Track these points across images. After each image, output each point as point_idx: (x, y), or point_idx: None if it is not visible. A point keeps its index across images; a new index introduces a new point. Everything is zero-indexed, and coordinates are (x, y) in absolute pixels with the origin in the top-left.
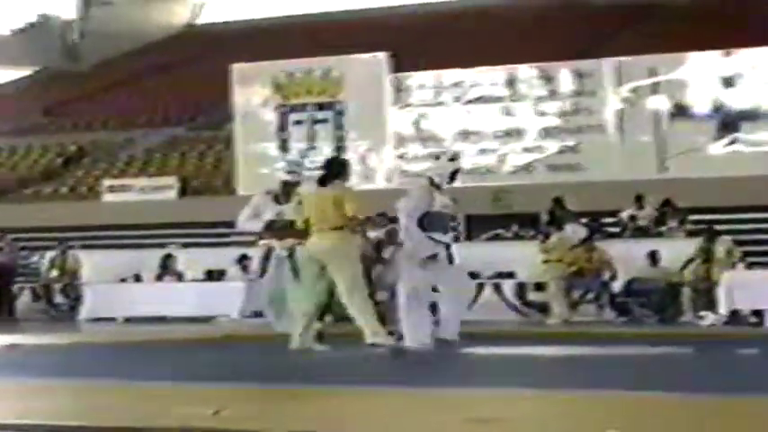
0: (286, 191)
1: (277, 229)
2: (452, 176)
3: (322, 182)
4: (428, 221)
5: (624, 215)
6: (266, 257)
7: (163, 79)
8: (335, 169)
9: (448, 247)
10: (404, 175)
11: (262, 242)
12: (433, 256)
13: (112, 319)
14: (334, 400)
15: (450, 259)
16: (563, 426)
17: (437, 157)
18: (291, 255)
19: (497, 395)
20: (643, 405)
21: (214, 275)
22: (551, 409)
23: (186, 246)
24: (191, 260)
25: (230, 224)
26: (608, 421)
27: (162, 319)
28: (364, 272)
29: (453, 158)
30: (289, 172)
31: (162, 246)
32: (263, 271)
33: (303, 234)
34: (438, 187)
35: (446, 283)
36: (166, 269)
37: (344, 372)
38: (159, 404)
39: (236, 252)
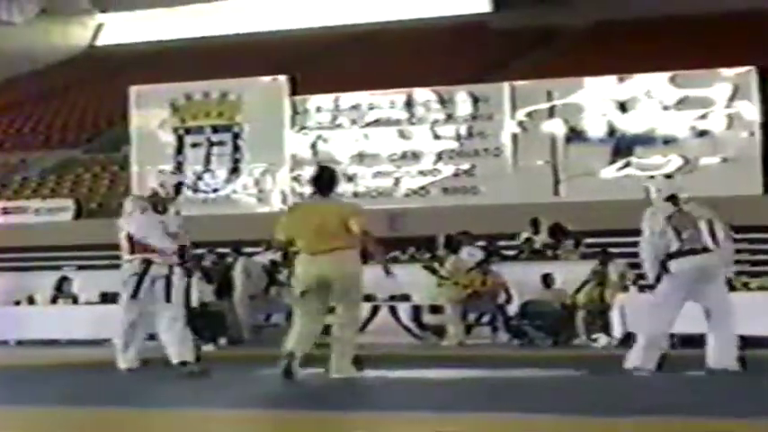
0: (163, 201)
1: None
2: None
3: (322, 193)
4: None
5: (522, 238)
6: (142, 275)
7: (61, 101)
8: (331, 180)
9: None
10: (299, 198)
11: (136, 257)
12: None
13: (4, 342)
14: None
15: None
16: None
17: None
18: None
19: (390, 418)
20: (536, 428)
21: (109, 298)
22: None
23: (81, 268)
24: (86, 283)
25: None
26: None
27: (54, 342)
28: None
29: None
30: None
31: (57, 268)
32: (135, 291)
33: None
34: None
35: None
36: (61, 292)
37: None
38: (42, 429)
39: None
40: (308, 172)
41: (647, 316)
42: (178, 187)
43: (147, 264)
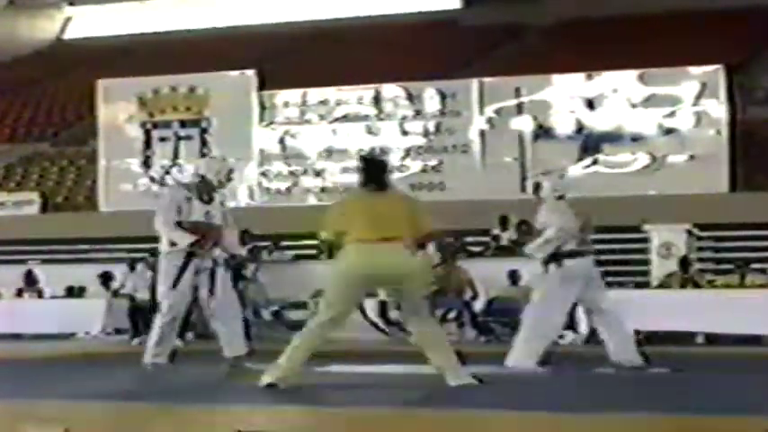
0: (208, 189)
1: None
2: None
3: (378, 184)
4: None
5: (491, 235)
6: (184, 266)
7: (27, 94)
8: (385, 171)
9: None
10: (266, 193)
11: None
12: None
13: None
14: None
15: None
16: None
17: None
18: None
19: (351, 414)
20: (500, 424)
21: (75, 292)
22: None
23: (47, 262)
24: (52, 276)
25: (92, 240)
26: None
27: (17, 336)
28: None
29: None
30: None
31: (22, 262)
32: (177, 280)
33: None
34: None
35: None
36: (27, 285)
37: (202, 389)
38: (8, 422)
39: (97, 268)
40: (277, 167)
41: (535, 313)
42: (230, 174)
43: (190, 255)
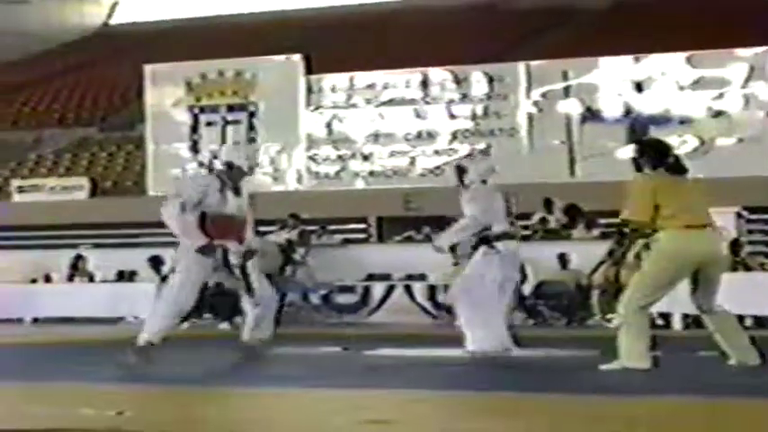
0: (237, 177)
1: None
2: None
3: (679, 169)
4: None
5: (535, 218)
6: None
7: (75, 79)
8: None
9: None
10: (314, 177)
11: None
12: None
13: (20, 320)
14: (240, 402)
15: None
16: (466, 427)
17: None
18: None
19: (401, 397)
20: (549, 407)
21: (125, 276)
22: (454, 411)
23: (97, 246)
24: (102, 261)
25: (141, 225)
26: (512, 422)
27: (70, 320)
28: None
29: None
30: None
31: (73, 246)
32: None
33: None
34: None
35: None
36: (77, 270)
37: (253, 373)
38: (64, 405)
39: (147, 253)
40: (324, 151)
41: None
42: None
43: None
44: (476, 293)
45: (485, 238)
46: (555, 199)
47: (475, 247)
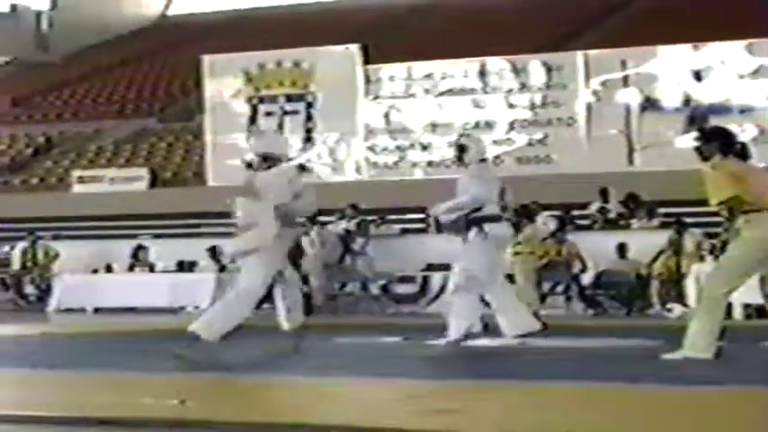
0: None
1: None
2: None
3: (745, 155)
4: None
5: (593, 208)
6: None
7: (133, 70)
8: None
9: None
10: (373, 167)
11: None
12: None
13: (82, 310)
14: (302, 390)
15: None
16: (528, 418)
17: None
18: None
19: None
20: (610, 397)
21: (185, 266)
22: (516, 401)
23: (157, 237)
24: (162, 251)
25: (201, 215)
26: (576, 413)
27: (131, 310)
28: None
29: None
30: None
31: (133, 237)
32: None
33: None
34: None
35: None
36: (138, 260)
37: (313, 363)
38: (126, 394)
39: (207, 243)
40: (382, 141)
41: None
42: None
43: None
44: (482, 280)
45: (475, 219)
46: (611, 188)
47: (467, 228)
